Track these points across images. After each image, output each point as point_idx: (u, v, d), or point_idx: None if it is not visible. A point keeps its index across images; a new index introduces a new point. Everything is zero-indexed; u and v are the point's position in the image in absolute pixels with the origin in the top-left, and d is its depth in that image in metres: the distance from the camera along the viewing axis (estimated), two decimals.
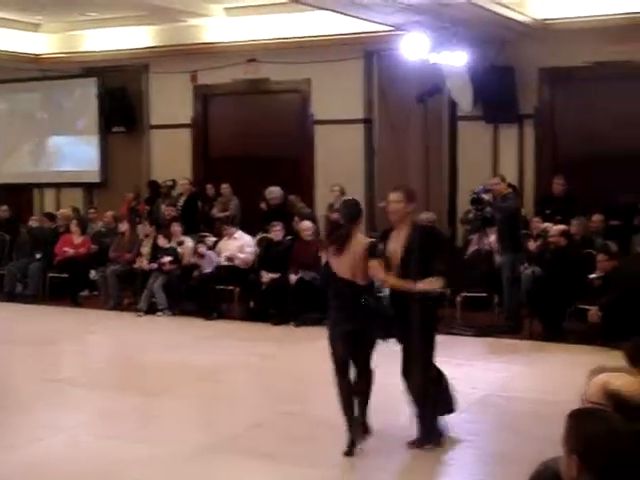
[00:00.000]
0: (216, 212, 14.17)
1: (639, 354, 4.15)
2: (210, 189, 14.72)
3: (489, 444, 6.73)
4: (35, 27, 15.52)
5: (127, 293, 13.12)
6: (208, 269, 12.18)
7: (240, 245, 12.35)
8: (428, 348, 6.29)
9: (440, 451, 6.52)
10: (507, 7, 11.24)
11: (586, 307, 9.85)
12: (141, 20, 14.49)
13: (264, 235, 12.93)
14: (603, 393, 3.24)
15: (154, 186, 15.33)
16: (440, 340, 10.13)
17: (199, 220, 14.31)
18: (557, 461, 3.12)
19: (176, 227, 12.88)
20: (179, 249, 12.61)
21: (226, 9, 14.06)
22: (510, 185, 11.44)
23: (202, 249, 12.39)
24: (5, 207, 15.60)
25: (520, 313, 10.76)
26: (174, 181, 14.97)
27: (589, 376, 3.75)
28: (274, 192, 13.44)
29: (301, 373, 8.92)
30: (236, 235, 12.47)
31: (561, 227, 10.71)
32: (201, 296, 12.18)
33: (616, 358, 4.26)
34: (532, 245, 11.15)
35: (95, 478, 5.94)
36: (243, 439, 6.73)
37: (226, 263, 12.20)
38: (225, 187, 14.35)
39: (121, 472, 6.01)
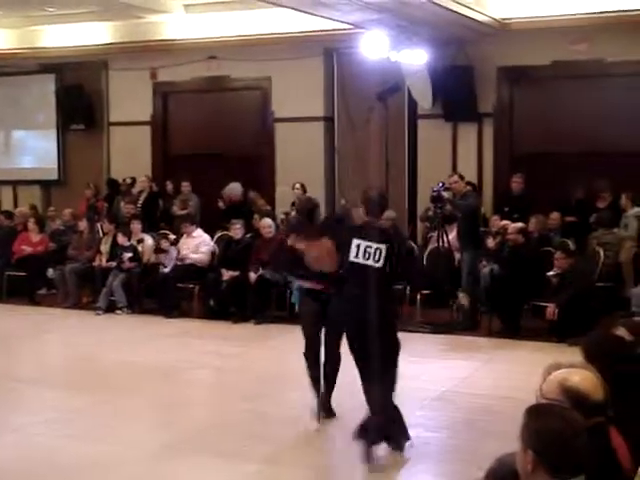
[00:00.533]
0: (176, 210, 14.11)
1: (594, 350, 4.20)
2: (169, 186, 14.65)
3: (446, 440, 6.77)
4: None
5: (86, 291, 13.02)
6: (169, 266, 12.11)
7: (197, 244, 12.30)
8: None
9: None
10: (466, 6, 11.30)
11: (544, 304, 9.95)
12: (100, 16, 14.34)
13: (224, 233, 12.90)
14: (561, 390, 3.27)
15: (113, 184, 15.23)
16: (399, 337, 10.29)
17: (159, 218, 14.25)
18: (512, 457, 3.15)
19: (136, 225, 12.81)
20: (139, 247, 12.53)
21: (185, 6, 13.99)
22: (469, 183, 11.52)
23: (165, 244, 12.35)
24: None
25: (479, 310, 10.84)
26: (133, 179, 14.89)
27: (545, 372, 3.77)
28: (235, 188, 13.42)
29: (261, 371, 8.91)
30: (194, 234, 12.41)
31: (519, 225, 10.81)
32: (161, 294, 12.12)
33: (573, 354, 4.30)
34: (491, 243, 11.24)
35: (49, 478, 5.88)
36: (203, 438, 6.70)
37: (179, 263, 12.16)
38: (185, 185, 14.31)
39: (77, 472, 5.96)
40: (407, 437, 6.29)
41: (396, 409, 6.22)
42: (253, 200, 13.49)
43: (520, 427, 2.97)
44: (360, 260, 6.16)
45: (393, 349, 6.23)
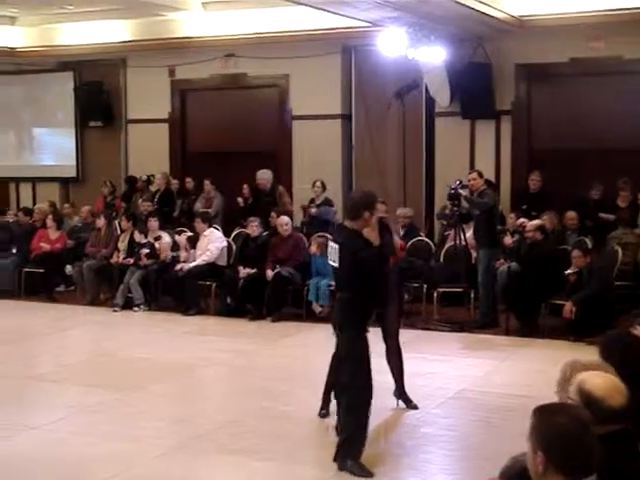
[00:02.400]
0: (199, 207, 14.09)
1: (610, 348, 4.19)
2: (189, 183, 14.67)
3: (462, 439, 6.75)
4: (12, 20, 15.40)
5: (103, 288, 13.06)
6: (192, 263, 12.11)
7: (207, 243, 12.28)
8: None
9: (414, 446, 6.56)
10: (484, 4, 11.25)
11: (561, 302, 9.91)
12: (119, 14, 14.39)
13: (241, 230, 12.91)
14: (577, 390, 3.25)
15: (131, 181, 15.27)
16: (416, 335, 10.29)
17: (179, 215, 14.28)
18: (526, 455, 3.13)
19: (153, 222, 12.83)
20: (156, 244, 12.57)
21: (204, 3, 14.01)
22: (487, 181, 11.49)
23: (183, 243, 12.41)
24: None
25: (496, 308, 10.81)
26: (149, 177, 14.92)
27: (563, 370, 3.76)
28: (265, 173, 13.31)
29: (277, 369, 8.91)
30: (206, 232, 12.39)
31: (537, 222, 10.76)
32: (178, 292, 12.14)
33: (590, 353, 4.28)
34: (508, 240, 11.20)
35: (66, 475, 5.91)
36: (218, 435, 6.72)
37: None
38: (207, 183, 14.28)
39: (93, 469, 5.98)
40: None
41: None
42: (281, 194, 13.37)
43: (529, 428, 2.95)
44: (330, 262, 6.26)
45: (344, 360, 6.12)
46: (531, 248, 10.60)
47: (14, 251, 13.76)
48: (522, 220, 11.12)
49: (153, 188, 14.67)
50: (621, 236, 11.40)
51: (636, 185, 11.82)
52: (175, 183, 14.74)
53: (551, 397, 3.56)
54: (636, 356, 4.14)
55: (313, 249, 11.48)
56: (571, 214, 11.72)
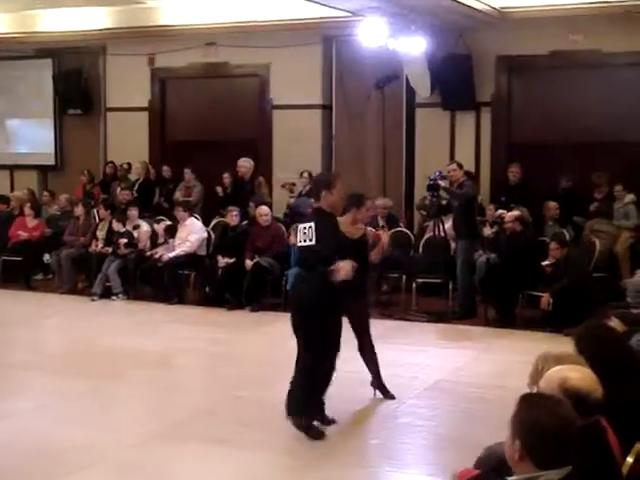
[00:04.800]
0: (179, 196, 14.03)
1: (585, 340, 4.22)
2: (167, 171, 14.61)
3: (441, 429, 6.77)
4: None
5: (81, 277, 13.02)
6: (168, 257, 12.06)
7: (187, 232, 12.24)
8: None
9: (391, 436, 6.59)
10: None
11: (538, 294, 9.96)
12: (99, 1, 14.27)
13: (220, 220, 12.88)
14: (561, 390, 3.26)
15: (111, 168, 15.17)
16: (395, 325, 10.33)
17: (157, 203, 14.23)
18: (502, 446, 3.16)
19: (132, 211, 12.79)
20: (135, 233, 12.52)
21: None
22: (467, 172, 11.51)
23: (162, 234, 12.40)
24: None
25: (474, 299, 10.86)
26: (129, 164, 14.87)
27: (535, 363, 3.79)
28: (247, 162, 13.24)
29: (254, 358, 8.92)
30: (187, 222, 12.35)
31: (516, 213, 10.81)
32: (159, 280, 12.10)
33: (567, 344, 4.32)
34: (487, 231, 11.23)
35: (42, 465, 5.88)
36: (196, 424, 6.72)
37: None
38: (187, 172, 14.21)
39: (70, 458, 5.96)
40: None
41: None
42: (259, 184, 13.31)
43: (512, 414, 2.98)
44: (299, 244, 6.39)
45: (306, 337, 6.35)
46: (510, 239, 10.65)
47: None
48: (501, 211, 11.18)
49: (132, 177, 14.61)
50: (596, 226, 11.48)
51: (615, 177, 11.89)
52: (153, 172, 14.68)
53: (526, 388, 3.59)
54: (611, 348, 4.18)
55: (292, 239, 11.47)
56: (552, 204, 11.75)
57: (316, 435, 6.32)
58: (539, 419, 2.91)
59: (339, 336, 6.45)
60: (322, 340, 6.28)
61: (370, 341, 7.29)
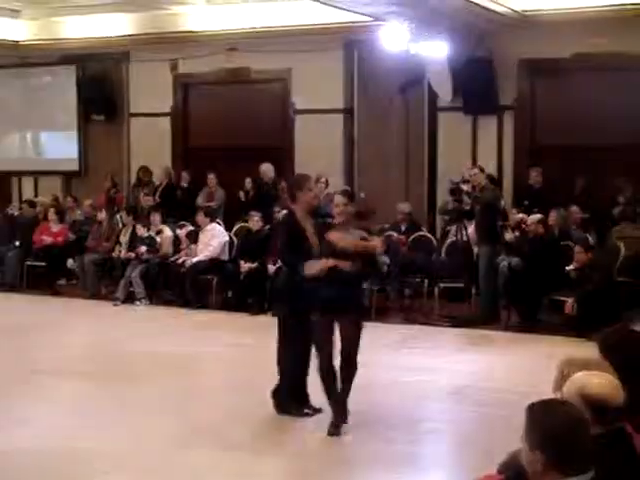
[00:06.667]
0: (201, 201, 14.08)
1: (610, 345, 4.18)
2: (185, 178, 14.63)
3: (463, 434, 6.75)
4: (15, 13, 15.36)
5: (105, 282, 13.08)
6: (190, 262, 12.10)
7: (209, 238, 12.26)
8: None
9: (414, 440, 6.56)
10: None
11: (562, 298, 9.90)
12: (122, 7, 14.36)
13: (242, 224, 12.91)
14: (580, 398, 3.23)
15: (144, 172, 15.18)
16: (418, 330, 10.31)
17: (179, 209, 14.26)
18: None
19: (155, 216, 12.84)
20: (157, 238, 12.57)
21: None
22: (489, 176, 11.47)
23: (185, 239, 12.43)
24: None
25: (497, 304, 10.81)
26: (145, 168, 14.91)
27: (559, 368, 3.76)
28: (268, 168, 13.33)
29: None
30: (208, 227, 12.38)
31: (538, 216, 10.77)
32: (181, 286, 12.14)
33: (591, 349, 4.28)
34: (509, 236, 11.17)
35: (63, 469, 5.91)
36: (218, 430, 6.71)
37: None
38: (211, 177, 14.28)
39: (92, 462, 5.98)
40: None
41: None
42: (283, 190, 13.33)
43: (524, 427, 2.94)
44: None
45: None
46: (533, 243, 10.59)
47: (17, 244, 13.76)
48: (521, 216, 11.12)
49: (157, 182, 14.65)
50: (622, 231, 11.38)
51: (638, 180, 11.82)
52: (172, 176, 14.69)
53: (550, 393, 3.56)
54: (636, 353, 4.14)
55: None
56: (575, 209, 11.69)
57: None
58: (554, 424, 2.87)
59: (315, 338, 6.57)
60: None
61: (355, 362, 6.55)
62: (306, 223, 6.71)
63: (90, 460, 6.02)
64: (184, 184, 14.54)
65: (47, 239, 13.57)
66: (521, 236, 11.12)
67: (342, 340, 6.49)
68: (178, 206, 14.15)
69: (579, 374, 3.39)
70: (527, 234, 10.73)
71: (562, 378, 3.55)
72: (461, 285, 11.13)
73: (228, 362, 9.20)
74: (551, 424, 2.87)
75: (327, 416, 6.60)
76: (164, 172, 14.61)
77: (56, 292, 13.16)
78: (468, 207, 11.15)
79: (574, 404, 3.04)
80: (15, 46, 15.61)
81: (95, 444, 6.33)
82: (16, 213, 14.78)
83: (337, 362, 6.54)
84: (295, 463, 6.04)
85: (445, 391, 7.80)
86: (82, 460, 6.04)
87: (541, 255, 10.34)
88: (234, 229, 13.06)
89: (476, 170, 11.01)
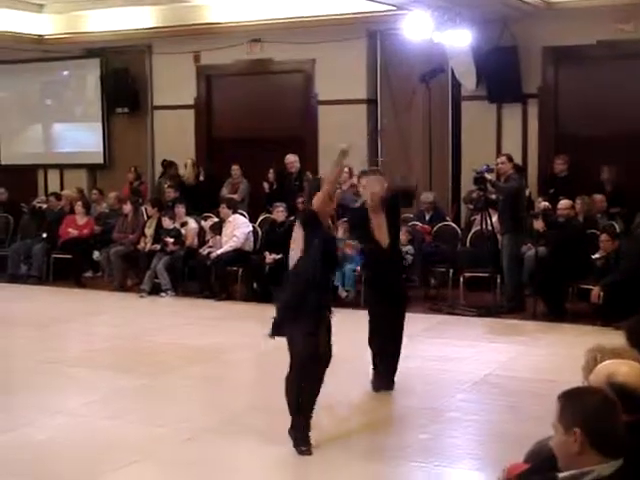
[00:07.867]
0: (225, 193, 14.10)
1: (636, 333, 4.15)
2: (201, 174, 14.60)
3: (489, 423, 6.75)
4: (39, 7, 15.44)
5: (131, 274, 13.15)
6: (219, 250, 12.15)
7: (232, 229, 12.29)
8: None
9: (440, 430, 6.56)
10: None
11: (589, 287, 9.85)
12: (145, 0, 14.41)
13: (267, 216, 12.92)
14: (608, 384, 3.22)
15: (169, 165, 15.22)
16: (443, 320, 10.29)
17: (203, 200, 14.29)
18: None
19: (180, 208, 12.89)
20: (182, 230, 12.62)
21: None
22: (516, 165, 11.41)
23: (210, 232, 12.47)
24: (2, 190, 15.59)
25: (522, 293, 10.77)
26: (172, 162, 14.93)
27: (586, 355, 3.74)
28: (296, 159, 13.43)
29: None
30: (230, 219, 12.41)
31: (567, 201, 10.70)
32: (207, 277, 12.18)
33: (618, 338, 4.25)
34: (539, 224, 11.08)
35: (93, 459, 5.96)
36: (246, 421, 6.74)
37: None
38: (235, 168, 14.31)
39: (120, 453, 6.02)
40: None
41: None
42: (309, 180, 13.34)
43: (558, 411, 2.93)
44: None
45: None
46: (560, 232, 10.52)
47: (44, 236, 13.86)
48: (545, 204, 11.04)
49: (183, 175, 14.67)
50: None
51: None
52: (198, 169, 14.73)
53: (578, 382, 3.54)
54: None
55: (339, 234, 11.48)
56: (599, 197, 11.62)
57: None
58: (595, 404, 2.88)
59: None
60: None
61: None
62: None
63: (119, 449, 6.08)
64: (201, 178, 14.55)
65: (73, 232, 13.66)
66: (547, 224, 11.04)
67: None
68: (201, 198, 14.19)
69: (608, 362, 3.37)
70: (553, 223, 10.63)
71: (591, 366, 3.54)
72: (486, 274, 11.08)
73: (255, 353, 9.19)
74: (592, 402, 2.89)
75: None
76: (189, 165, 14.59)
77: (82, 284, 13.24)
78: (493, 196, 11.11)
79: (607, 390, 3.03)
80: (39, 40, 15.70)
81: (124, 435, 6.39)
82: (44, 206, 14.86)
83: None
84: (323, 453, 6.03)
85: (471, 381, 7.78)
86: (112, 449, 6.09)
87: (567, 244, 10.28)
88: (258, 220, 13.08)
89: (503, 158, 10.96)
